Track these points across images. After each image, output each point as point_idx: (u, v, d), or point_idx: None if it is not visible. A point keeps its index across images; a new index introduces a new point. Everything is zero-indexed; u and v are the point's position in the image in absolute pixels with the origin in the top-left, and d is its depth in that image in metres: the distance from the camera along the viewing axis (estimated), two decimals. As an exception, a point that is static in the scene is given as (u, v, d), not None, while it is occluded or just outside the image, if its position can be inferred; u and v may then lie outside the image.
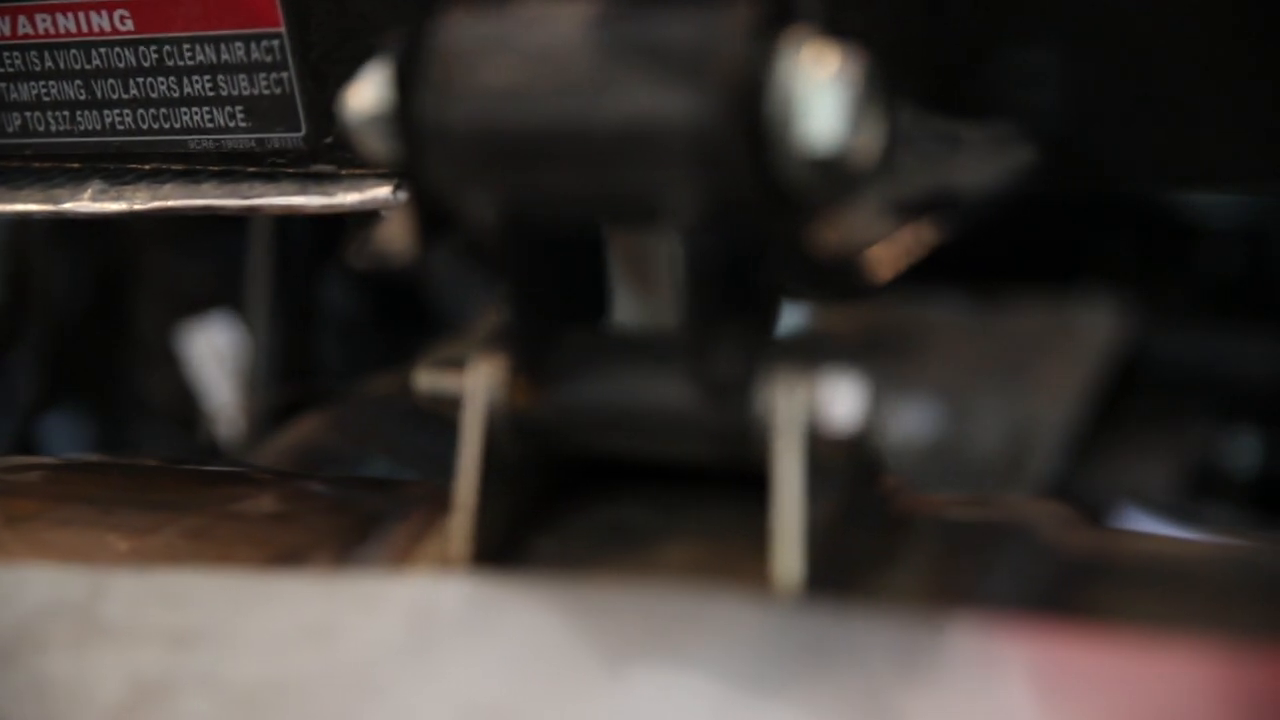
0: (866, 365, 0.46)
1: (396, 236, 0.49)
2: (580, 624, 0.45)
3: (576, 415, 0.49)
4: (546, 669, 0.44)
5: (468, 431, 0.50)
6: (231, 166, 0.62)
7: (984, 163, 0.50)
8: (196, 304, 1.06)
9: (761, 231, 0.44)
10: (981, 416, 1.14)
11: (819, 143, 0.43)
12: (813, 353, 0.47)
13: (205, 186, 0.62)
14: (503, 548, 0.52)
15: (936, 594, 0.48)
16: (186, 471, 0.64)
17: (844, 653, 0.42)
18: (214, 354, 1.00)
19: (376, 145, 0.48)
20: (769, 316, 0.48)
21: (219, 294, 1.04)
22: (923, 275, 1.22)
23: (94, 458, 0.85)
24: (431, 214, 0.48)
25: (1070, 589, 0.48)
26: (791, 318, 0.51)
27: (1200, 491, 1.13)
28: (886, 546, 0.50)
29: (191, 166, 0.63)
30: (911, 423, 1.13)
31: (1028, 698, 0.40)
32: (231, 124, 0.62)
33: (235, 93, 0.61)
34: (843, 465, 0.50)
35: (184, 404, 1.05)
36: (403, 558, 0.54)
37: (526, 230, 0.47)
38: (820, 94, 0.43)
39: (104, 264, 1.12)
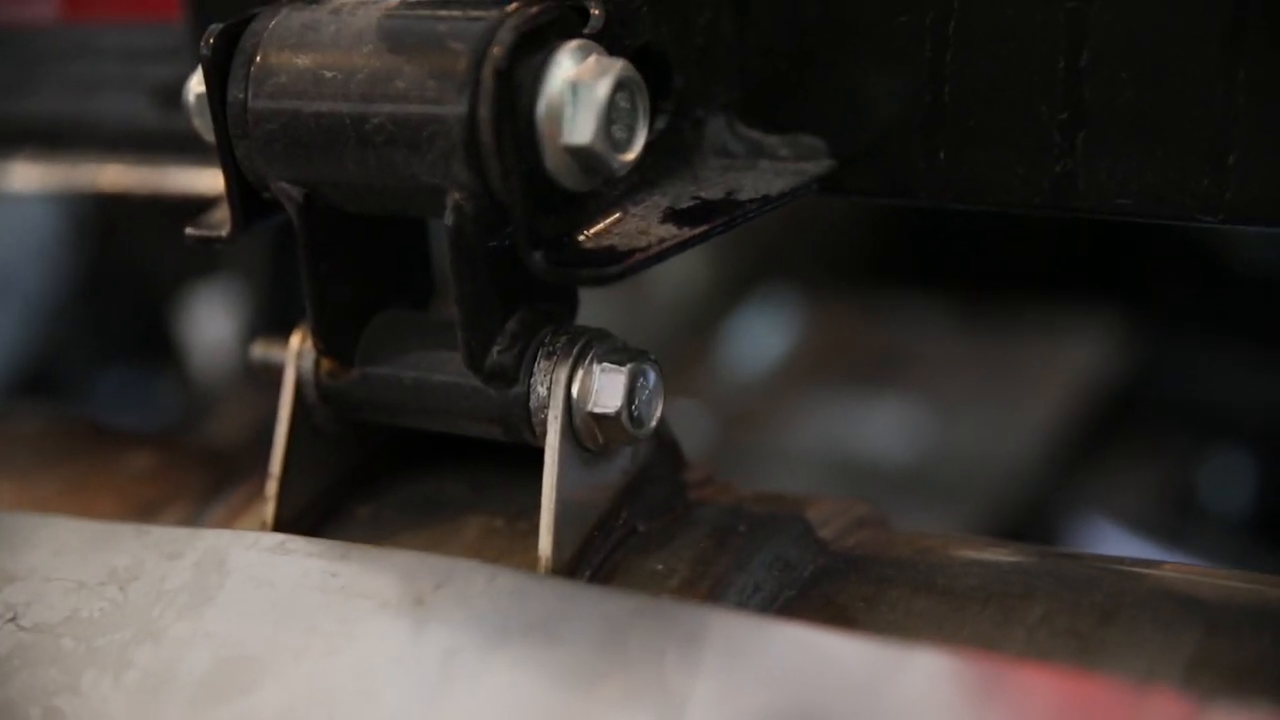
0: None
1: (223, 216, 0.53)
2: (343, 583, 0.48)
3: (373, 389, 0.52)
4: (301, 622, 0.47)
5: (281, 401, 0.53)
6: (140, 148, 0.66)
7: (780, 174, 0.52)
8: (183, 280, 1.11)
9: (530, 223, 0.47)
10: (966, 434, 1.15)
11: (573, 137, 0.46)
12: (584, 344, 0.50)
13: (116, 169, 0.67)
14: (320, 512, 0.55)
15: (693, 581, 0.50)
16: (87, 427, 0.69)
17: (561, 629, 0.45)
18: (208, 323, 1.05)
19: (204, 130, 0.52)
20: (548, 307, 0.51)
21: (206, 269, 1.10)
22: (921, 284, 1.23)
23: (27, 409, 0.90)
24: (248, 195, 0.51)
25: (822, 585, 0.50)
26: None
27: (1184, 514, 1.13)
28: (664, 532, 0.52)
29: (106, 148, 0.67)
30: (894, 439, 1.14)
31: (708, 685, 0.42)
32: (141, 108, 0.66)
33: (143, 78, 0.65)
34: (626, 453, 0.52)
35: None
36: (233, 516, 0.58)
37: (329, 213, 0.51)
38: (575, 94, 0.46)
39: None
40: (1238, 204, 0.48)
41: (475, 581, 0.47)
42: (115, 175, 0.68)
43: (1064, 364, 1.19)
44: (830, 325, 1.25)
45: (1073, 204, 0.50)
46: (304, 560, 0.50)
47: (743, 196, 0.51)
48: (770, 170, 0.53)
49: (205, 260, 1.09)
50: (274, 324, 0.57)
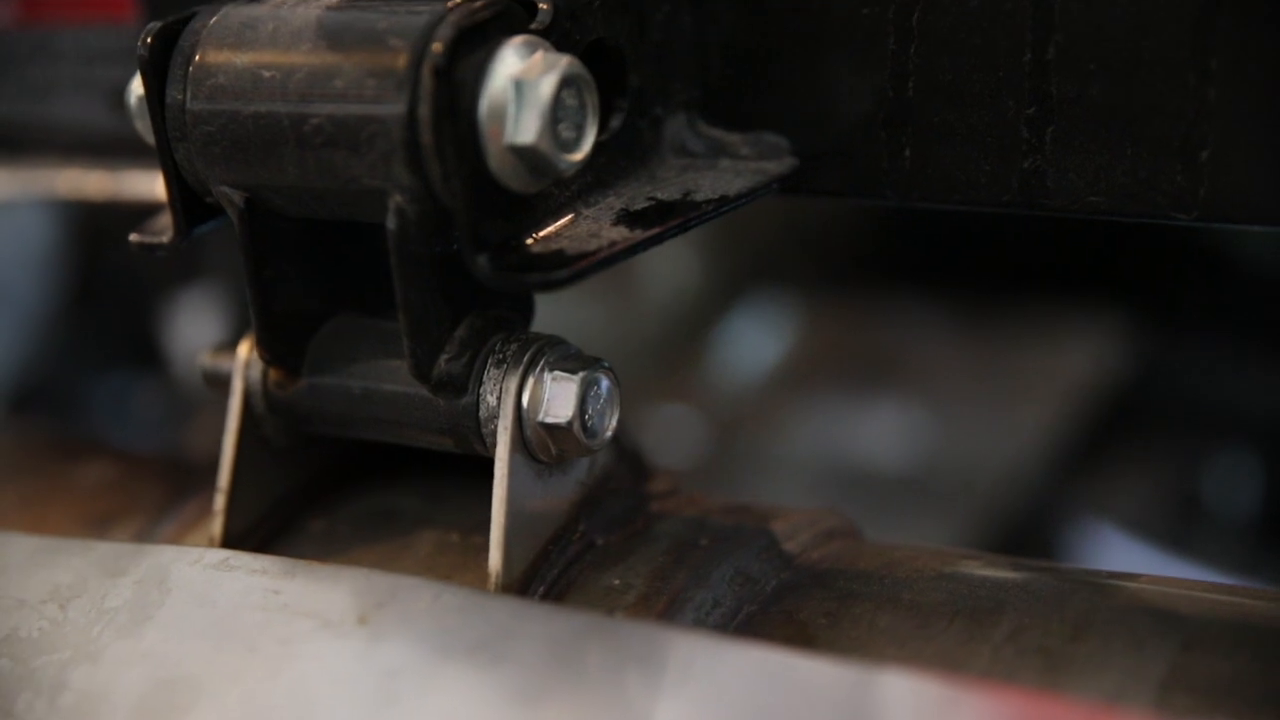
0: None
1: (167, 222, 0.51)
2: (285, 601, 0.46)
3: (321, 400, 0.51)
4: (241, 642, 0.46)
5: (228, 413, 0.52)
6: (98, 152, 0.65)
7: (740, 174, 0.51)
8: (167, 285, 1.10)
9: (474, 226, 0.45)
10: (964, 438, 1.13)
11: (517, 137, 0.44)
12: (535, 352, 0.48)
13: (73, 173, 0.65)
14: (272, 527, 0.54)
15: (649, 596, 0.48)
16: (47, 440, 0.67)
17: (507, 648, 0.43)
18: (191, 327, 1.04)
19: (146, 133, 0.50)
20: (500, 314, 0.49)
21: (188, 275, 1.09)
22: (917, 286, 1.21)
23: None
24: (190, 199, 0.50)
25: (784, 601, 0.48)
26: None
27: (1188, 519, 1.11)
28: (622, 546, 0.50)
29: (64, 153, 0.66)
30: (891, 444, 1.12)
31: (665, 703, 0.41)
32: (97, 111, 0.64)
33: (100, 80, 0.64)
34: (582, 464, 0.50)
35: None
36: (185, 531, 0.56)
37: (271, 217, 0.49)
38: (519, 92, 0.44)
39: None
40: (1212, 201, 0.46)
41: (419, 599, 0.45)
42: (74, 180, 0.67)
43: (1065, 365, 1.16)
44: (825, 328, 1.23)
45: (1042, 202, 0.48)
46: (247, 578, 0.48)
47: (699, 197, 0.49)
48: (730, 169, 0.51)
49: (189, 266, 1.08)
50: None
